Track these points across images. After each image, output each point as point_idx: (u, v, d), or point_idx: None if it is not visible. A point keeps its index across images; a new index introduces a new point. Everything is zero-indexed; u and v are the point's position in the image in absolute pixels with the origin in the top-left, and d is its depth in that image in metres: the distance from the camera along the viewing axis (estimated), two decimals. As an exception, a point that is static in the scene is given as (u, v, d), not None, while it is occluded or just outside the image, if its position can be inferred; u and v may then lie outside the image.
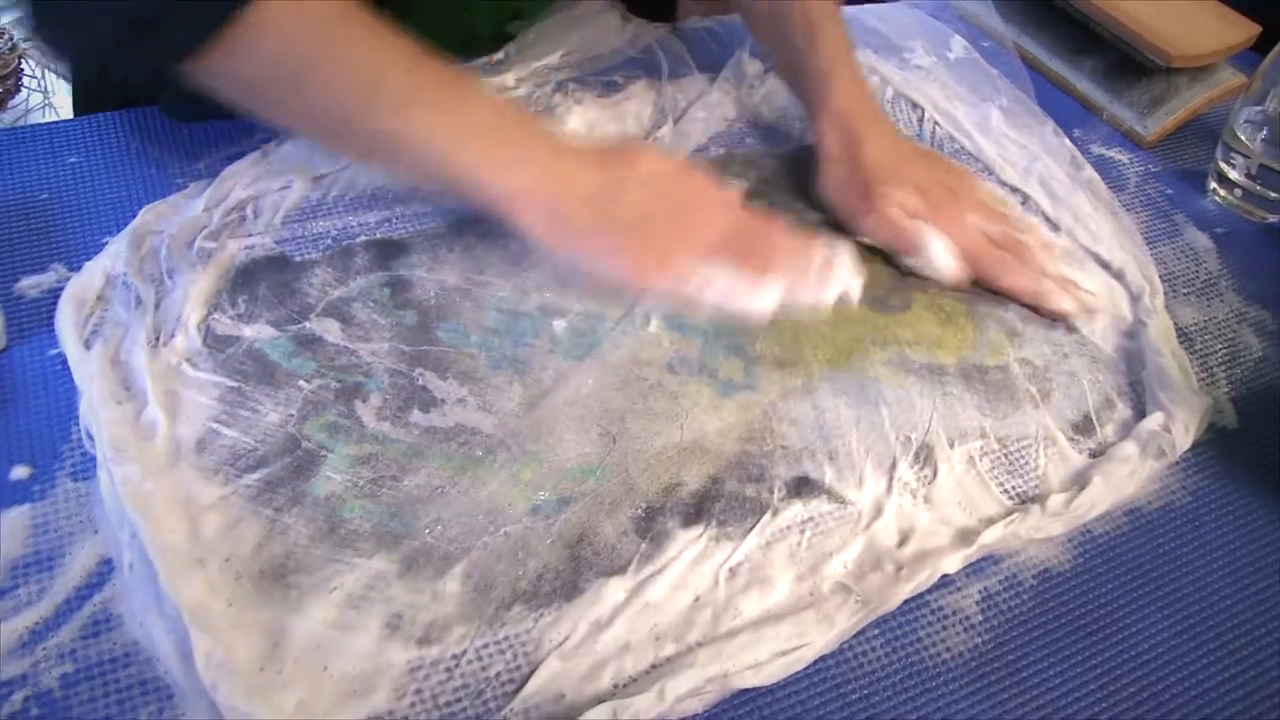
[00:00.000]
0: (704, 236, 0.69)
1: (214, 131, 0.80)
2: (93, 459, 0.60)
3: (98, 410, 0.60)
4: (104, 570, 0.56)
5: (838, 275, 0.72)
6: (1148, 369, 0.75)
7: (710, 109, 0.90)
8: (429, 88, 0.67)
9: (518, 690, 0.54)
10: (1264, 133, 0.88)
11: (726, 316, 0.69)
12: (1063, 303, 0.78)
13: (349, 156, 0.77)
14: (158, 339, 0.65)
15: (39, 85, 2.04)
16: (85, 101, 0.90)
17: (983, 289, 0.80)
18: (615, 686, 0.55)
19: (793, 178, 0.86)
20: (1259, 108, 0.88)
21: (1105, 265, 0.84)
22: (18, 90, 2.03)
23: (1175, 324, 0.80)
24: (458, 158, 0.67)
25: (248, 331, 0.67)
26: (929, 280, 0.79)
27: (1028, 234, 0.83)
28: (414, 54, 0.66)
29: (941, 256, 0.78)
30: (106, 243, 0.71)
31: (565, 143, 0.72)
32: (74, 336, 0.64)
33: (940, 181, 0.82)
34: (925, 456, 0.68)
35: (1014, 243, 0.81)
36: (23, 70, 2.03)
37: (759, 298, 0.68)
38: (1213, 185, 0.93)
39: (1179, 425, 0.70)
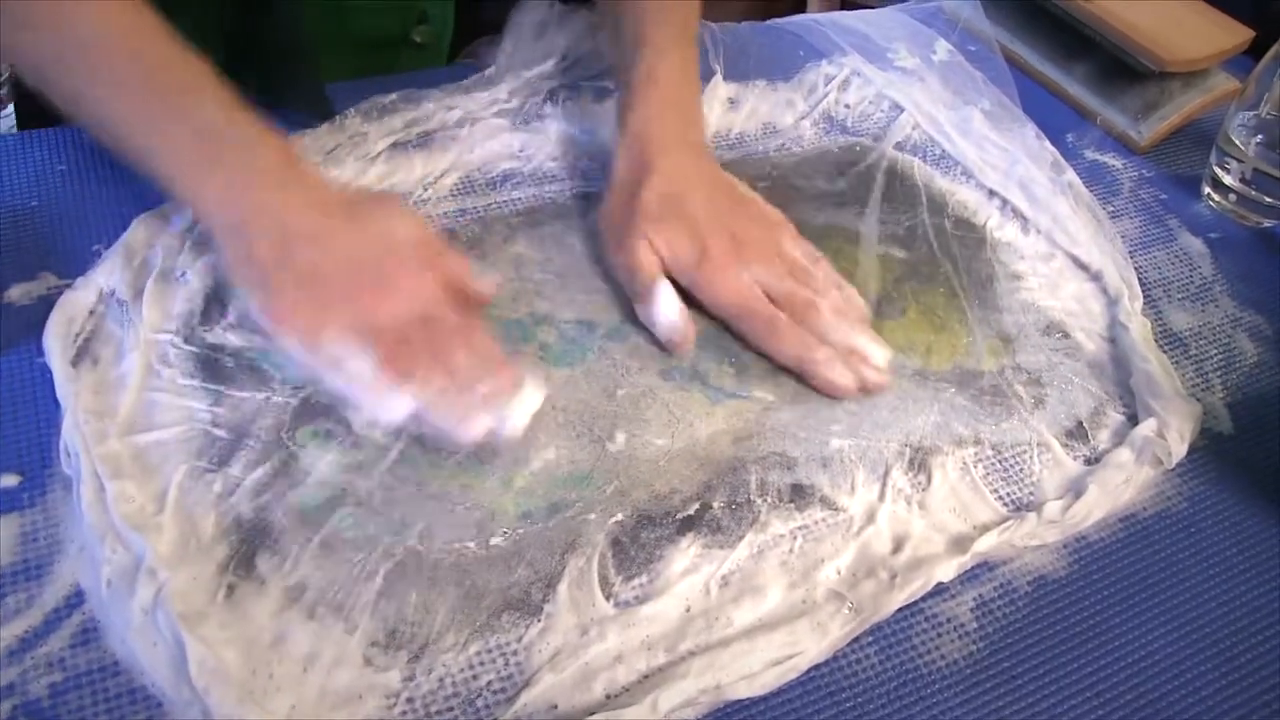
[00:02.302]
0: (373, 315, 0.63)
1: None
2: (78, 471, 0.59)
3: (83, 427, 0.60)
4: (93, 579, 0.55)
5: (493, 414, 0.62)
6: (1135, 376, 0.75)
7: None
8: (151, 64, 0.63)
9: (510, 701, 0.54)
10: (1258, 137, 0.88)
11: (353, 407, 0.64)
12: (834, 375, 0.69)
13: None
14: (149, 352, 0.65)
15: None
16: (27, 116, 0.89)
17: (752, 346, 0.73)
18: (607, 697, 0.55)
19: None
20: (1253, 113, 0.88)
21: (1083, 267, 0.83)
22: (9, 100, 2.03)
23: (1170, 329, 0.80)
24: (162, 150, 0.64)
25: (239, 341, 0.67)
26: (923, 286, 0.79)
27: (827, 295, 0.74)
28: (147, 26, 0.63)
29: (660, 317, 0.71)
30: (97, 250, 0.70)
31: (298, 168, 0.67)
32: (61, 353, 0.64)
33: (728, 227, 0.74)
34: (919, 463, 0.68)
35: (799, 302, 0.72)
36: (14, 81, 2.03)
37: (382, 405, 0.62)
38: (1207, 190, 0.93)
39: (1173, 433, 0.70)
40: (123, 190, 0.75)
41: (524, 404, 0.64)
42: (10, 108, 2.06)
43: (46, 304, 0.66)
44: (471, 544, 0.59)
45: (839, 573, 0.61)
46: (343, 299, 0.63)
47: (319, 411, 0.64)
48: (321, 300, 0.63)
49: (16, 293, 0.68)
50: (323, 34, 0.81)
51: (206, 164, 0.64)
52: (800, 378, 0.71)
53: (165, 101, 0.64)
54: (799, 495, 0.65)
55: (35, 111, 0.83)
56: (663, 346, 0.71)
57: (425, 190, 0.79)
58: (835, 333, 0.71)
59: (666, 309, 0.71)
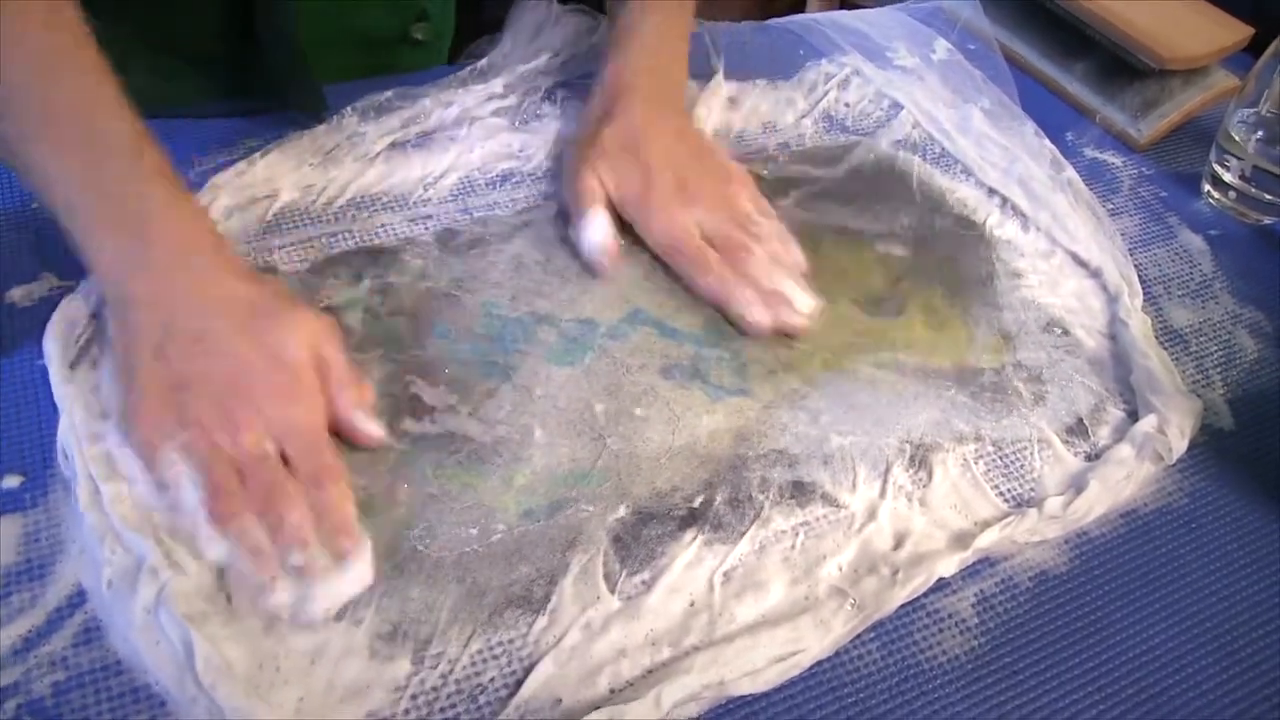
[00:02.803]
0: (220, 442, 0.57)
1: (203, 140, 0.80)
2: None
3: (78, 429, 0.60)
4: (94, 579, 0.56)
5: (295, 591, 0.55)
6: (1135, 372, 0.75)
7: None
8: (69, 121, 0.61)
9: (512, 695, 0.54)
10: (1258, 134, 0.88)
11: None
12: (752, 314, 0.71)
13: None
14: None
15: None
16: None
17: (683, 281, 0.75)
18: (612, 691, 0.55)
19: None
20: (1252, 110, 0.88)
21: (1083, 264, 0.83)
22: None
23: (1170, 326, 0.80)
24: (68, 213, 0.61)
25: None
26: (923, 284, 0.79)
27: (766, 244, 0.75)
28: (82, 77, 0.62)
29: (586, 237, 0.74)
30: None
31: (207, 252, 0.63)
32: (59, 356, 0.64)
33: (679, 172, 0.77)
34: (920, 460, 0.68)
35: (732, 244, 0.74)
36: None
37: (196, 546, 0.56)
38: (1207, 188, 0.93)
39: (1174, 429, 0.70)
40: (124, 192, 0.75)
41: (333, 589, 0.56)
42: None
43: (48, 305, 0.67)
44: (473, 542, 0.60)
45: (841, 569, 0.61)
46: (196, 416, 0.58)
47: (320, 411, 0.64)
48: (175, 412, 0.58)
49: (18, 294, 0.68)
50: (322, 31, 0.80)
51: (109, 231, 0.61)
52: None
53: (83, 158, 0.61)
54: (800, 492, 0.65)
55: None
56: (658, 346, 0.72)
57: (425, 190, 0.79)
58: (763, 276, 0.74)
59: (594, 230, 0.75)
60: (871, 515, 0.64)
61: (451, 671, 0.54)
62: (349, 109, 0.82)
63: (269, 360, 0.60)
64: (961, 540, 0.63)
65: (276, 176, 0.77)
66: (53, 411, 0.62)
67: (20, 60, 0.60)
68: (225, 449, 0.57)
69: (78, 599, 0.55)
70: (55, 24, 0.62)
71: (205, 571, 0.56)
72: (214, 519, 0.56)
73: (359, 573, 0.57)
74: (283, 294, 0.64)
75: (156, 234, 0.62)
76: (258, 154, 0.78)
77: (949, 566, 0.61)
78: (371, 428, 0.62)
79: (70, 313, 0.66)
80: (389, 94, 0.84)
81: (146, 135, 0.63)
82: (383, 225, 0.76)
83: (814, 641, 0.58)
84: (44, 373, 0.64)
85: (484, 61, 0.89)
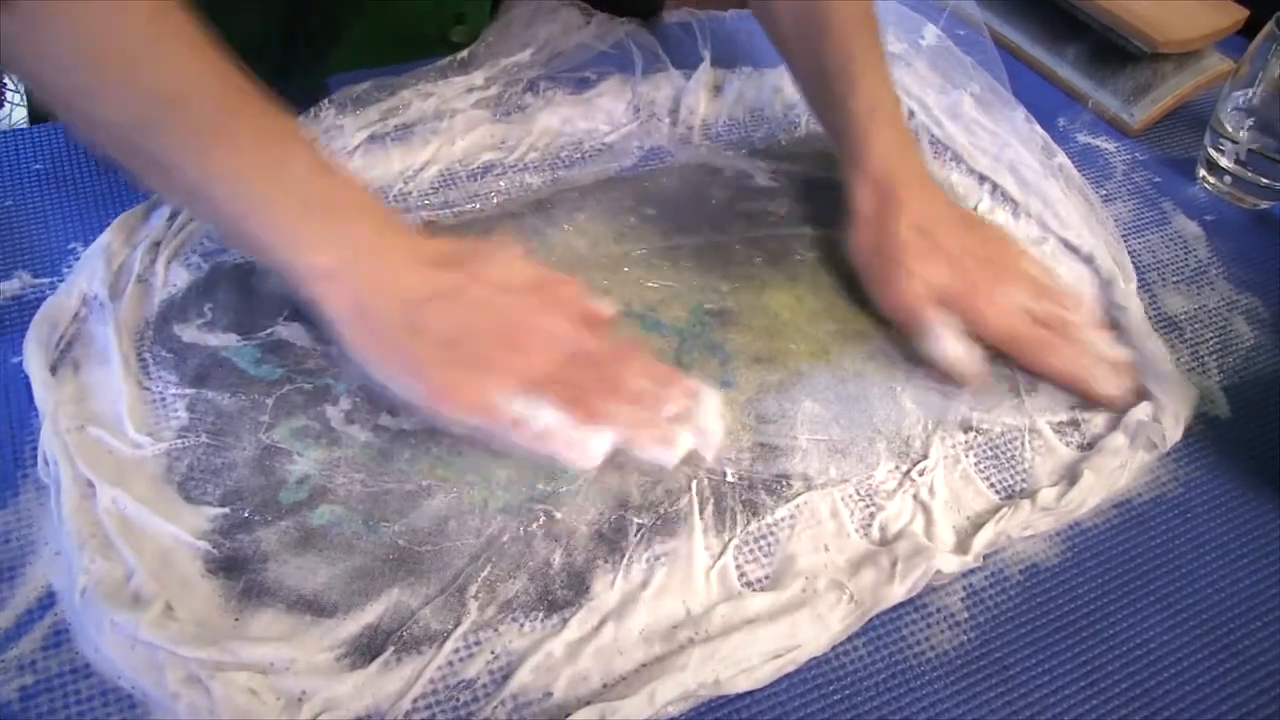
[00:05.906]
0: (530, 366, 0.60)
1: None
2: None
3: (64, 435, 0.59)
4: (66, 583, 0.55)
5: (690, 432, 0.62)
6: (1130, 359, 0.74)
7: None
8: (239, 122, 0.59)
9: (499, 690, 0.53)
10: (1252, 119, 0.87)
11: (546, 460, 0.62)
12: (1113, 389, 0.71)
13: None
14: (130, 355, 0.64)
15: (22, 100, 2.03)
16: (39, 111, 0.89)
17: (1024, 368, 0.73)
18: (604, 686, 0.54)
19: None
20: (1247, 93, 0.87)
21: (1074, 250, 0.82)
22: (0, 105, 2.02)
23: (1165, 312, 0.79)
24: (256, 215, 0.59)
25: (214, 340, 0.66)
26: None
27: (1076, 310, 0.76)
28: (230, 77, 0.58)
29: (948, 350, 0.71)
30: (72, 248, 0.70)
31: (397, 224, 0.63)
32: (40, 360, 0.62)
33: (977, 251, 0.75)
34: (910, 451, 0.67)
35: (1059, 320, 0.74)
36: (5, 85, 2.02)
37: (583, 450, 0.60)
38: (1201, 172, 0.92)
39: (1169, 416, 0.69)
40: (98, 189, 0.74)
41: (710, 410, 0.63)
42: (2, 111, 2.05)
43: (20, 303, 0.66)
44: (454, 538, 0.59)
45: (836, 563, 0.61)
46: (491, 358, 0.60)
47: (296, 408, 0.63)
48: (472, 364, 0.60)
49: (-10, 292, 0.67)
50: (359, 35, 0.79)
51: (307, 236, 0.60)
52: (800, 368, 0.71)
53: (257, 162, 0.59)
54: (787, 486, 0.64)
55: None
56: (642, 341, 0.71)
57: (406, 184, 0.78)
58: (1100, 346, 0.73)
59: (952, 343, 0.71)
60: (864, 507, 0.63)
61: (428, 667, 0.53)
62: (325, 101, 0.81)
63: (505, 291, 0.63)
64: (955, 534, 0.63)
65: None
66: (24, 411, 0.61)
67: (167, 68, 0.58)
68: (537, 370, 0.60)
69: (48, 600, 0.54)
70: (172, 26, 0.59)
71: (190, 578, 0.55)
72: (587, 419, 0.59)
73: (710, 396, 0.64)
74: (457, 237, 0.66)
75: (354, 221, 0.61)
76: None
77: (949, 563, 0.60)
78: (605, 304, 0.67)
79: (53, 315, 0.65)
80: (366, 85, 0.82)
81: (295, 122, 0.63)
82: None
83: (810, 637, 0.57)
84: (16, 372, 0.63)
85: (465, 52, 0.88)
